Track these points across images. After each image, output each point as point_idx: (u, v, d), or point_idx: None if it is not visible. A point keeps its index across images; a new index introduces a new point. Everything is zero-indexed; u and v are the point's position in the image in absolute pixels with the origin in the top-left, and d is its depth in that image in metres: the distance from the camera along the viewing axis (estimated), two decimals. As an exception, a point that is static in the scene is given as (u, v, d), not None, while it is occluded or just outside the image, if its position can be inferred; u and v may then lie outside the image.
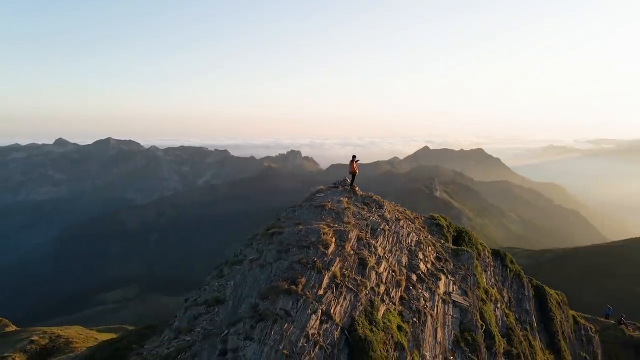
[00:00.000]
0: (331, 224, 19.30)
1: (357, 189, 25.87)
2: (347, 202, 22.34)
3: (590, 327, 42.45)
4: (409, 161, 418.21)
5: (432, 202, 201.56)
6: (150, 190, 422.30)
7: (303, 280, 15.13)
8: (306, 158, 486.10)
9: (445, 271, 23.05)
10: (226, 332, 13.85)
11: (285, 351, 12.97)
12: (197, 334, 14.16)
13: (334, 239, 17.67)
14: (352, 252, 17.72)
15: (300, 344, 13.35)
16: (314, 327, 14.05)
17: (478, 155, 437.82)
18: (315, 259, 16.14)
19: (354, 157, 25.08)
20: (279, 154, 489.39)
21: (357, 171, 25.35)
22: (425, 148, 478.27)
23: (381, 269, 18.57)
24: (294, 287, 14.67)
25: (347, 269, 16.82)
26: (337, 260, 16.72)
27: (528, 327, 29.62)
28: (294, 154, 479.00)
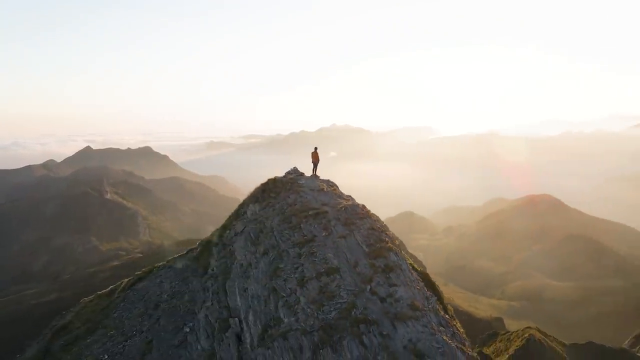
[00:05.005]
0: (344, 202, 23.47)
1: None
2: (327, 185, 26.38)
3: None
4: (69, 163, 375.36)
5: (104, 205, 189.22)
6: None
7: (387, 239, 19.56)
8: None
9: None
10: (369, 287, 17.05)
11: (417, 287, 17.65)
12: (345, 296, 16.49)
13: (367, 211, 22.28)
14: (375, 219, 22.78)
15: (418, 282, 18.21)
16: (412, 271, 18.99)
17: (146, 154, 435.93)
18: (377, 225, 20.63)
19: (315, 148, 29.22)
20: None
21: (319, 160, 29.24)
22: (88, 148, 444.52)
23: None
24: (391, 245, 19.02)
25: (385, 231, 21.92)
26: (382, 225, 21.62)
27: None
28: None
